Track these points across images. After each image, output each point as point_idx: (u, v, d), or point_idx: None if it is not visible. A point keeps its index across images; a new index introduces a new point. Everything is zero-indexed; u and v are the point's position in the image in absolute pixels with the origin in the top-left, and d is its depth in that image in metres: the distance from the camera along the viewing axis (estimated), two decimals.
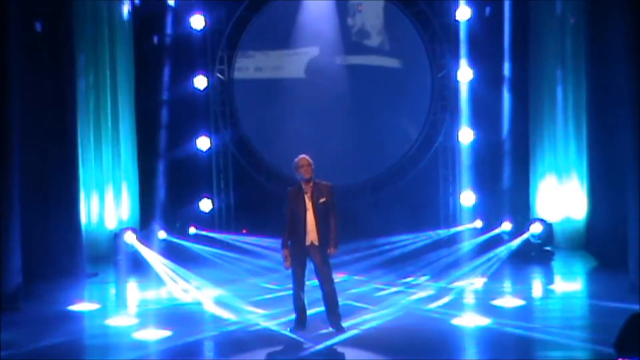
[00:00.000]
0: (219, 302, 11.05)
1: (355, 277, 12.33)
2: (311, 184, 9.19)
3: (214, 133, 15.13)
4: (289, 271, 9.31)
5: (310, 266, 9.28)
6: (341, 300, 9.58)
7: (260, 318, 10.06)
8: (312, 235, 9.15)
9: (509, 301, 10.84)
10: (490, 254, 13.50)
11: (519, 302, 10.73)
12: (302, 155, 9.29)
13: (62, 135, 13.28)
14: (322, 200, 9.16)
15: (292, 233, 9.20)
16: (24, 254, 11.96)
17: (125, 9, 14.65)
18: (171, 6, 14.76)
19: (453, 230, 14.70)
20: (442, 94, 14.94)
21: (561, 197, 14.61)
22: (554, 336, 9.07)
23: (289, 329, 9.38)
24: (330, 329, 9.27)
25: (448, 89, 14.91)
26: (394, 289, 11.64)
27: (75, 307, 11.17)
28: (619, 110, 12.28)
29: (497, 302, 10.72)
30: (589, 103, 13.95)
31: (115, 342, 9.63)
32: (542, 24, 14.60)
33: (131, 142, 14.95)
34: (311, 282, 9.50)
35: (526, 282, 12.37)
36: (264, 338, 9.29)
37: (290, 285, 9.38)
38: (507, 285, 12.11)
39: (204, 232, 14.87)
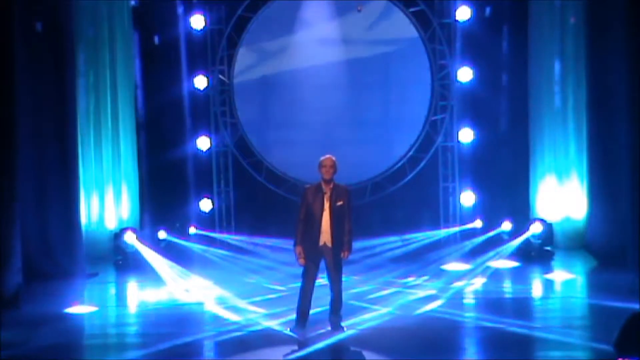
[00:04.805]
0: (219, 302, 11.05)
1: (356, 277, 12.31)
2: (331, 185, 9.16)
3: (214, 133, 15.11)
4: (289, 271, 9.31)
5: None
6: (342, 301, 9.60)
7: (260, 318, 10.06)
8: (325, 236, 9.11)
9: (507, 300, 10.86)
10: (490, 254, 13.49)
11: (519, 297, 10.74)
12: (328, 155, 9.21)
13: (62, 135, 13.29)
14: (339, 203, 9.12)
15: (305, 231, 9.16)
16: (24, 254, 11.96)
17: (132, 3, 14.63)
18: (173, 7, 14.75)
19: (453, 230, 14.70)
20: (442, 94, 14.93)
21: (561, 197, 14.60)
22: (554, 336, 9.07)
23: (289, 329, 9.38)
24: (330, 329, 9.27)
25: (448, 89, 14.90)
26: (394, 289, 11.64)
27: (74, 308, 11.15)
28: (619, 110, 12.28)
29: (496, 302, 10.73)
30: (589, 103, 13.92)
31: (115, 342, 9.65)
32: (542, 24, 14.57)
33: (131, 142, 14.91)
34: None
35: (526, 282, 12.36)
36: (264, 338, 9.29)
37: (296, 284, 9.39)
38: (507, 285, 12.11)
39: (204, 232, 14.87)
